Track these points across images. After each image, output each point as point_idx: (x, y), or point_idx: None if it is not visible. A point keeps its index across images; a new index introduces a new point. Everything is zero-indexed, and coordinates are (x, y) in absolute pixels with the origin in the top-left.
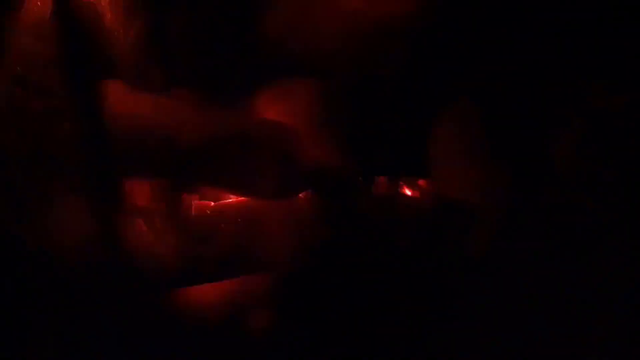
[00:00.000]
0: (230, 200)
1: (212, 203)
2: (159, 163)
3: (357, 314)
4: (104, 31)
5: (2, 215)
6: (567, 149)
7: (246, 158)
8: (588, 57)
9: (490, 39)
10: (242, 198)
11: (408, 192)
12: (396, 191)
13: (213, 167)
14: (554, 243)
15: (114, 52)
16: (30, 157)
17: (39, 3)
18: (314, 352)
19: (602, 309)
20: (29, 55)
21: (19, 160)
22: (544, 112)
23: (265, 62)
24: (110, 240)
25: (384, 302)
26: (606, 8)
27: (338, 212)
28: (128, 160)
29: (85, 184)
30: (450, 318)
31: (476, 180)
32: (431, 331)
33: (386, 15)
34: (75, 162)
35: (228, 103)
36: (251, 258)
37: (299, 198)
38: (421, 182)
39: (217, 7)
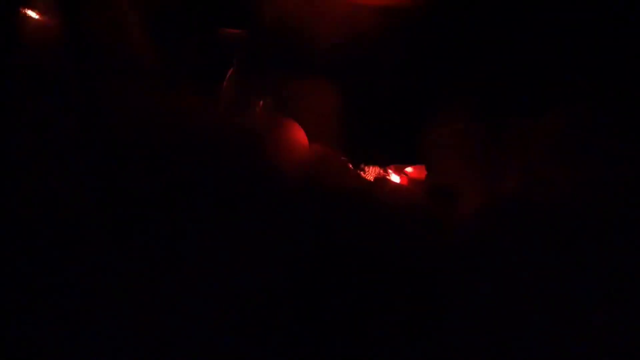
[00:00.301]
0: None
1: None
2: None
3: (349, 302)
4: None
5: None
6: (555, 146)
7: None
8: (585, 57)
9: (485, 38)
10: None
11: (396, 178)
12: (384, 177)
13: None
14: (546, 240)
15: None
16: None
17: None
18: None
19: (600, 308)
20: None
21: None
22: (535, 110)
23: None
24: None
25: (375, 293)
26: (606, 8)
27: (331, 196)
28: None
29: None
30: (444, 311)
31: (464, 171)
32: (426, 328)
33: (385, 11)
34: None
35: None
36: None
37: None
38: (408, 169)
39: (219, 5)
